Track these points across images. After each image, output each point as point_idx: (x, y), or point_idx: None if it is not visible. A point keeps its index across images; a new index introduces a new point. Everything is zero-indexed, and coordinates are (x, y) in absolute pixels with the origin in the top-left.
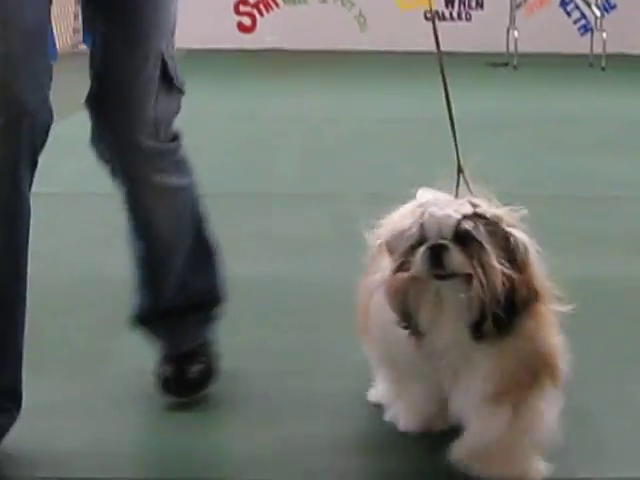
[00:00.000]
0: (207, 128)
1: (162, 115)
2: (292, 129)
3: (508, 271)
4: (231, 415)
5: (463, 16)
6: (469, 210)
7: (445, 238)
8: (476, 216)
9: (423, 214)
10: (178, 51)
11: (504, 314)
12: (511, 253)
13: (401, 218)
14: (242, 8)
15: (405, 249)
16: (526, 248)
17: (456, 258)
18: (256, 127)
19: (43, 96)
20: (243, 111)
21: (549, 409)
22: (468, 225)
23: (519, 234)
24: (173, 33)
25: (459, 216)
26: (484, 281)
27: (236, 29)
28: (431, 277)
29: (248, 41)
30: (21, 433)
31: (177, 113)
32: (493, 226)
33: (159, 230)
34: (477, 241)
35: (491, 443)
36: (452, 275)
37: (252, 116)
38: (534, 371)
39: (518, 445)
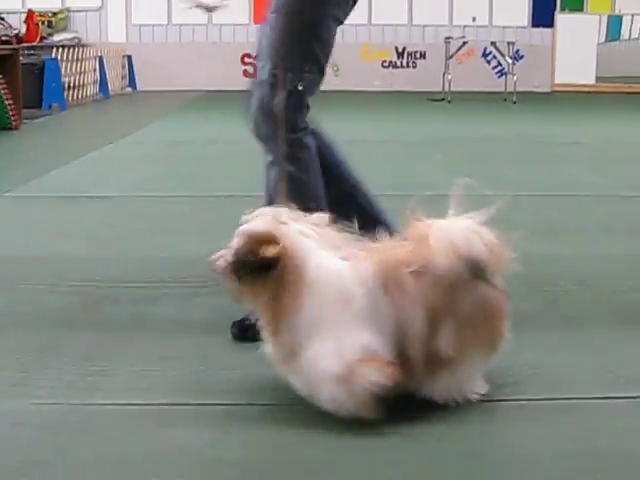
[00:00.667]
0: (222, 148)
1: None
2: None
3: None
4: None
5: (410, 64)
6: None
7: None
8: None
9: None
10: (198, 92)
11: None
12: None
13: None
14: (247, 60)
15: None
16: None
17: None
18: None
19: None
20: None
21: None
22: None
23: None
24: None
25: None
26: None
27: (242, 75)
28: None
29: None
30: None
31: None
32: None
33: None
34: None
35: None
36: None
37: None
38: None
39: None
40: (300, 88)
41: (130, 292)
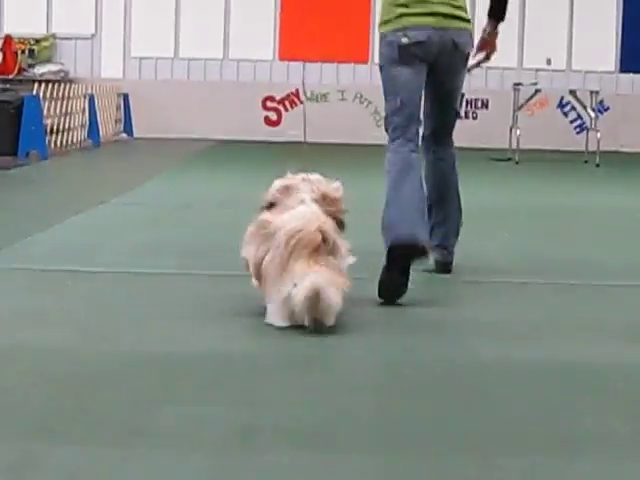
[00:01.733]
0: (233, 214)
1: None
2: None
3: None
4: None
5: (470, 115)
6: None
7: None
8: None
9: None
10: (209, 142)
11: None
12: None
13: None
14: (269, 104)
15: None
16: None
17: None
18: None
19: None
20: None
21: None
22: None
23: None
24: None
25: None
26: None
27: (263, 123)
28: None
29: (274, 134)
30: None
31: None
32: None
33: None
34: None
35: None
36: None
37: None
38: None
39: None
40: None
41: (119, 396)
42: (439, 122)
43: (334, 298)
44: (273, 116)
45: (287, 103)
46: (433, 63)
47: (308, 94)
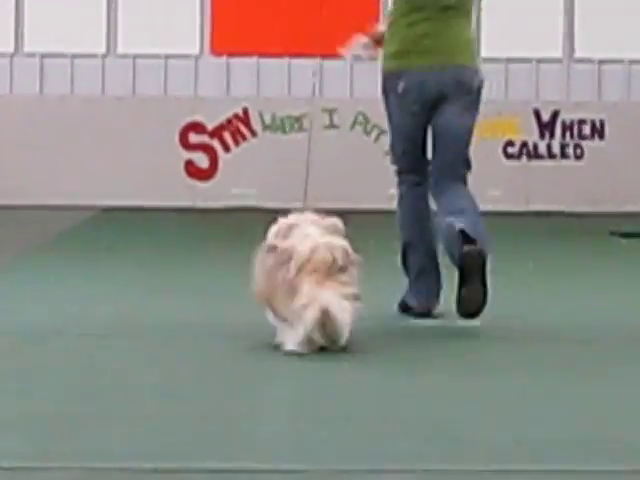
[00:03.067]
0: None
1: None
2: None
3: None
4: None
5: (570, 150)
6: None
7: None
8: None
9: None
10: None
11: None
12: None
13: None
14: (194, 138)
15: None
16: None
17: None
18: None
19: None
20: None
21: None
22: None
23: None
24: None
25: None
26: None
27: (183, 173)
28: None
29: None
30: None
31: None
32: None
33: None
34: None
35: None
36: None
37: None
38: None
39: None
40: None
41: None
42: (441, 167)
43: (345, 317)
44: (201, 160)
45: (227, 135)
46: (434, 104)
47: (266, 118)
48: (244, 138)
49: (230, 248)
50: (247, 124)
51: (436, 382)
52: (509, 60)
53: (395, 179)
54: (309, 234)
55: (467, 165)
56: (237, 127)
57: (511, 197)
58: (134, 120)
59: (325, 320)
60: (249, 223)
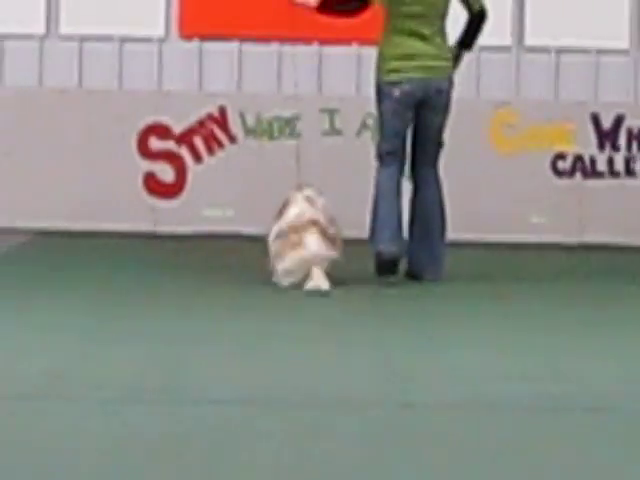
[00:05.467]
0: None
1: None
2: None
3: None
4: None
5: (626, 168)
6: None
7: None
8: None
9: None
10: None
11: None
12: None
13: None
14: (155, 144)
15: None
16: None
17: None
18: None
19: None
20: None
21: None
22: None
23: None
24: None
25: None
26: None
27: (142, 189)
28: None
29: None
30: None
31: None
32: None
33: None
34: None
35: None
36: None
37: None
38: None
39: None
40: None
41: None
42: (421, 153)
43: (325, 261)
44: (165, 172)
45: (199, 142)
46: (419, 106)
47: (249, 120)
48: (220, 145)
49: (200, 284)
50: (224, 127)
51: None
52: (560, 50)
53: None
54: (295, 208)
55: (442, 146)
56: (211, 131)
57: (561, 225)
58: (80, 120)
59: (308, 266)
60: (225, 253)
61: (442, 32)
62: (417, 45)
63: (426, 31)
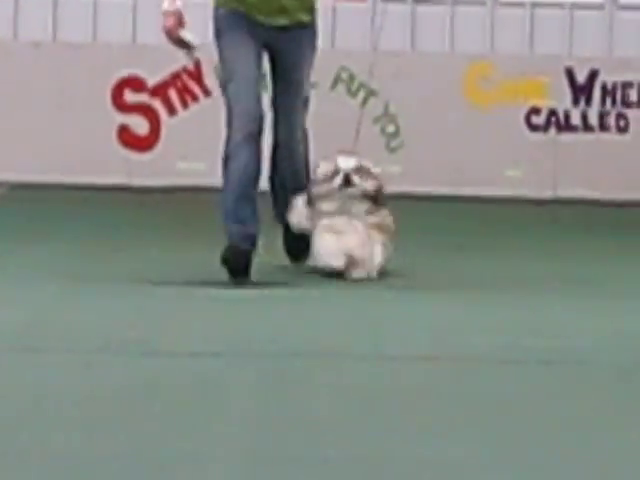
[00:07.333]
0: None
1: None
2: None
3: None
4: None
5: (611, 121)
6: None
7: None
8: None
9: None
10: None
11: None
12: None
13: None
14: (130, 97)
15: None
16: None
17: (355, 178)
18: None
19: None
20: None
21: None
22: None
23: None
24: None
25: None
26: (367, 187)
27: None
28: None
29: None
30: None
31: None
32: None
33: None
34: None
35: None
36: (354, 186)
37: None
38: (384, 227)
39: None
40: None
41: None
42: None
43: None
44: (139, 125)
45: (173, 94)
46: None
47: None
48: (194, 98)
49: (173, 238)
50: (199, 80)
51: None
52: (535, 4)
53: (387, 154)
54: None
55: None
56: (185, 84)
57: (535, 180)
58: (54, 73)
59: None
60: (198, 206)
61: None
62: None
63: None
